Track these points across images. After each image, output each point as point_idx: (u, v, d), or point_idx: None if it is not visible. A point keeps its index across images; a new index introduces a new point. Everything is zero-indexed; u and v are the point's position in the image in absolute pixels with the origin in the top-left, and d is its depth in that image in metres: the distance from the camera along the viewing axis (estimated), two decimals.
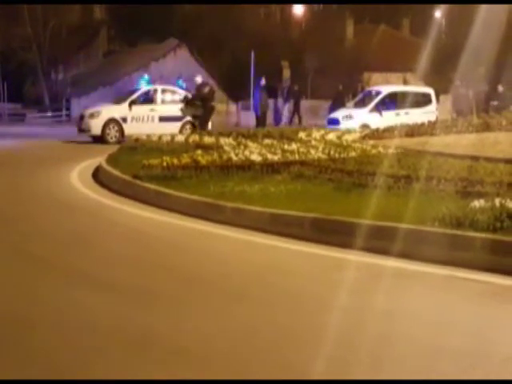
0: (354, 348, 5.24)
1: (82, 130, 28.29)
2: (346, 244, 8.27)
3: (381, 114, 27.80)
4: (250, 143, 16.04)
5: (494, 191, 9.37)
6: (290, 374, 4.83)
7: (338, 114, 28.86)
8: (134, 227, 10.29)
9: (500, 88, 33.31)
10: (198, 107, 26.23)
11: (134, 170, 13.49)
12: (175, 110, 27.36)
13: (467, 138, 16.21)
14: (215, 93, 27.72)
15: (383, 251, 7.92)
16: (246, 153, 13.99)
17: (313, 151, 14.21)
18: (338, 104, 32.83)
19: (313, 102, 50.02)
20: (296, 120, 36.96)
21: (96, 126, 27.42)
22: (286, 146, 15.01)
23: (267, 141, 16.61)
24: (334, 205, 9.54)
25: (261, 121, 32.15)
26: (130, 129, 26.99)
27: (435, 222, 8.07)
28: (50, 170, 17.04)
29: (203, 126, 25.87)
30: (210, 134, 20.24)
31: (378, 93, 29.52)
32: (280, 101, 36.28)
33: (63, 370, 4.89)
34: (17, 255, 8.40)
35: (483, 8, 32.91)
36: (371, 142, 16.68)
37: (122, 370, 4.89)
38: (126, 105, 27.74)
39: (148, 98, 28.33)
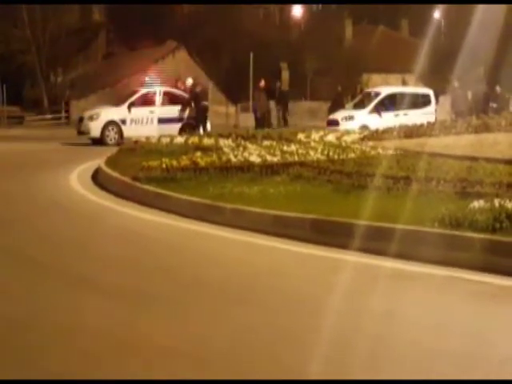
0: (352, 350, 5.23)
1: (81, 133, 28.29)
2: (345, 245, 8.26)
3: (380, 115, 27.80)
4: (249, 145, 16.02)
5: (493, 192, 9.35)
6: (289, 376, 4.83)
7: (338, 116, 28.86)
8: (133, 229, 10.29)
9: (498, 89, 33.29)
10: (193, 108, 26.40)
11: (134, 171, 13.48)
12: (174, 111, 27.39)
13: (466, 139, 16.19)
14: (207, 92, 27.77)
15: (383, 252, 7.92)
16: (245, 154, 13.98)
17: (312, 152, 14.20)
18: (337, 105, 32.81)
19: (312, 103, 50.08)
20: (280, 122, 35.73)
21: (95, 128, 27.41)
22: (285, 148, 14.99)
23: (266, 142, 16.59)
24: (334, 206, 9.54)
25: (260, 122, 32.12)
26: (129, 131, 26.99)
27: (434, 223, 8.08)
28: (49, 173, 17.03)
29: (199, 126, 25.92)
30: (209, 135, 20.23)
31: (377, 94, 29.52)
32: (271, 102, 36.03)
33: (60, 373, 4.88)
34: (15, 258, 8.40)
35: (482, 9, 32.94)
36: (370, 143, 16.66)
37: (120, 373, 4.88)
38: (125, 107, 27.74)
39: (147, 100, 28.32)
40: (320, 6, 70.54)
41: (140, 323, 5.87)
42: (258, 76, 33.03)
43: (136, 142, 20.10)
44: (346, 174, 11.64)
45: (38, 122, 45.96)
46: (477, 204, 8.56)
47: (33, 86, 53.52)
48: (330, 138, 18.39)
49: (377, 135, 19.07)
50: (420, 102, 29.46)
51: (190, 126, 26.40)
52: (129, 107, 27.66)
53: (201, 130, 25.73)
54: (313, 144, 16.21)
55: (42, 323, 5.90)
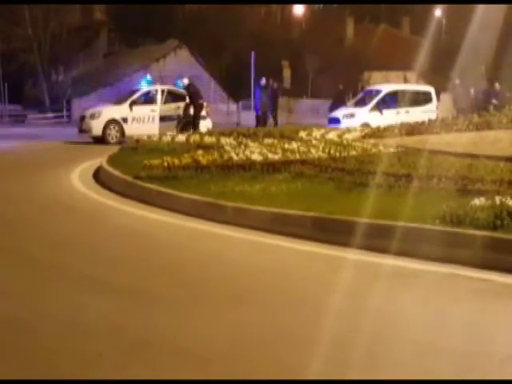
0: (353, 348, 5.23)
1: (82, 131, 28.30)
2: (347, 243, 8.27)
3: (381, 113, 27.82)
4: (250, 143, 16.03)
5: (494, 189, 9.37)
6: (289, 375, 4.84)
7: (339, 113, 28.87)
8: (135, 227, 10.30)
9: (497, 86, 33.26)
10: (190, 107, 26.56)
11: (135, 170, 13.49)
12: (176, 110, 27.41)
13: (467, 136, 16.19)
14: (199, 90, 27.85)
15: (384, 250, 7.93)
16: (247, 152, 14.00)
17: (313, 150, 14.21)
18: (338, 103, 32.80)
19: (313, 101, 50.09)
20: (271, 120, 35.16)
21: (97, 127, 27.43)
22: (286, 146, 15.01)
23: (268, 140, 16.61)
24: (335, 204, 9.55)
25: (261, 120, 32.10)
26: (130, 129, 27.01)
27: (436, 220, 8.09)
28: (50, 171, 17.05)
29: (196, 126, 25.99)
30: (210, 133, 20.25)
31: (378, 92, 29.54)
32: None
33: (63, 373, 4.89)
34: (17, 257, 8.40)
35: (482, 7, 32.93)
36: (372, 140, 16.66)
37: (122, 372, 4.89)
38: (126, 105, 27.75)
39: (149, 99, 28.33)
40: (321, 4, 70.56)
41: (142, 322, 5.88)
42: (260, 74, 32.99)
43: (137, 140, 20.12)
44: (348, 171, 11.65)
45: (39, 121, 45.97)
46: (478, 201, 8.57)
47: (34, 85, 53.59)
48: (332, 135, 18.41)
49: (378, 133, 19.09)
50: (421, 99, 29.48)
51: (188, 124, 26.46)
52: (130, 106, 27.68)
53: (199, 128, 25.75)
54: (314, 142, 16.22)
55: (44, 323, 5.90)
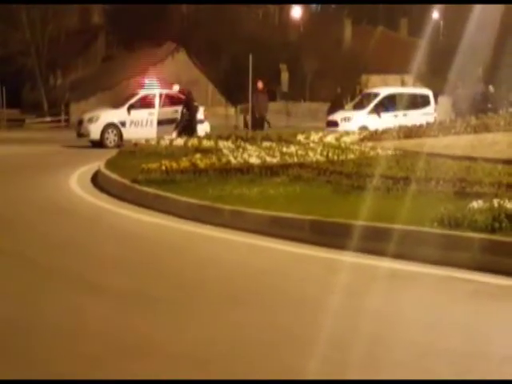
0: (351, 349, 5.25)
1: (80, 135, 28.33)
2: (345, 246, 8.27)
3: (379, 116, 27.82)
4: (248, 146, 16.04)
5: (492, 192, 9.38)
6: (290, 376, 4.85)
7: (337, 116, 28.87)
8: (133, 231, 10.31)
9: (491, 88, 33.20)
10: (185, 111, 26.62)
11: (133, 174, 13.49)
12: (174, 114, 27.41)
13: (465, 139, 16.20)
14: (191, 93, 27.89)
15: (382, 253, 7.93)
16: (245, 156, 14.00)
17: (311, 153, 14.22)
18: (336, 106, 32.79)
19: (311, 104, 50.10)
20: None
21: (95, 131, 27.46)
22: (284, 149, 15.01)
23: (266, 143, 16.62)
24: (333, 207, 9.56)
25: (258, 123, 32.10)
26: (128, 133, 27.03)
27: (434, 223, 8.09)
28: (49, 175, 17.05)
29: (194, 129, 26.00)
30: (208, 137, 20.25)
31: (376, 95, 29.54)
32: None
33: (61, 375, 4.89)
34: (15, 260, 8.40)
35: (480, 9, 32.95)
36: (370, 143, 16.67)
37: (121, 375, 4.89)
38: (124, 109, 27.77)
39: (147, 103, 28.34)
40: (319, 7, 70.67)
41: (141, 325, 5.88)
42: (258, 77, 33.00)
43: (135, 144, 20.13)
44: (346, 174, 11.66)
45: (37, 125, 45.96)
46: (476, 204, 8.58)
47: (32, 89, 53.55)
48: (330, 138, 18.43)
49: (376, 136, 19.09)
50: (419, 102, 29.48)
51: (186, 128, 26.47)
52: (128, 109, 27.70)
53: (197, 132, 25.78)
54: (312, 145, 16.24)
55: (42, 325, 5.91)
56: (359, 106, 29.53)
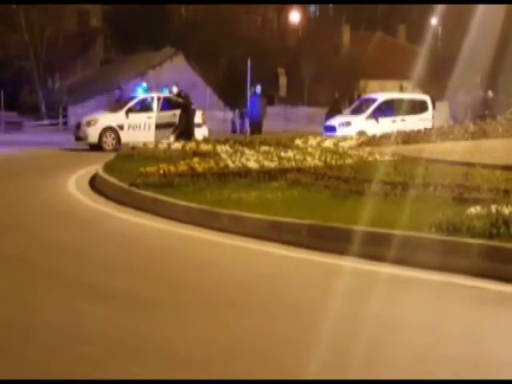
0: (349, 354, 5.24)
1: (78, 138, 28.33)
2: (343, 251, 8.27)
3: (377, 121, 27.84)
4: (246, 150, 16.06)
5: (490, 198, 9.39)
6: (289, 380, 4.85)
7: (335, 121, 28.88)
8: (132, 234, 10.31)
9: (490, 94, 33.21)
10: (183, 115, 26.64)
11: (131, 177, 13.49)
12: (172, 117, 27.42)
13: (463, 145, 16.24)
14: (190, 96, 27.89)
15: (380, 258, 7.93)
16: (243, 160, 14.01)
17: (309, 158, 14.23)
18: (334, 111, 32.83)
19: (309, 109, 50.08)
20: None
21: (93, 134, 27.45)
22: (282, 153, 15.03)
23: (264, 148, 16.63)
24: (331, 212, 9.56)
25: (256, 127, 32.16)
26: (126, 136, 27.01)
27: (432, 229, 8.09)
28: (47, 178, 17.04)
29: (191, 132, 26.00)
30: (206, 141, 20.26)
31: (374, 100, 29.57)
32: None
33: (60, 375, 4.89)
34: (13, 263, 8.41)
35: (479, 14, 32.97)
36: (368, 148, 16.69)
37: (120, 377, 4.88)
38: (122, 113, 27.78)
39: (145, 106, 28.36)
40: (317, 12, 70.71)
41: (138, 328, 5.88)
42: (256, 82, 33.03)
43: (133, 147, 20.13)
44: (344, 179, 11.66)
45: (35, 128, 45.90)
46: (474, 210, 8.59)
47: (30, 92, 53.46)
48: (328, 143, 18.45)
49: (374, 141, 19.13)
50: (417, 107, 29.51)
51: (184, 132, 26.48)
52: (126, 113, 27.71)
53: (195, 135, 25.81)
54: (310, 150, 16.25)
55: (41, 328, 5.90)
56: (357, 111, 29.56)
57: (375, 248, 8.11)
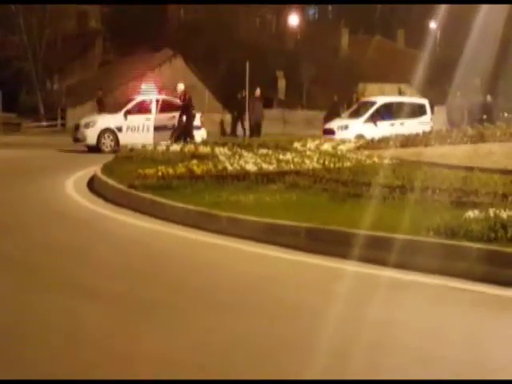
0: (349, 358, 5.24)
1: (77, 140, 28.33)
2: (341, 254, 8.27)
3: (376, 125, 27.84)
4: (245, 153, 16.05)
5: (488, 201, 9.39)
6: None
7: (334, 125, 28.88)
8: (130, 237, 10.30)
9: (488, 98, 33.20)
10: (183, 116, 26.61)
11: (129, 179, 13.48)
12: (171, 119, 27.41)
13: (462, 149, 16.24)
14: (191, 99, 27.84)
15: (379, 261, 7.93)
16: (241, 162, 14.01)
17: (308, 161, 14.23)
18: (333, 114, 32.84)
19: (308, 112, 50.13)
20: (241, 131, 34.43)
21: (91, 136, 27.45)
22: (281, 156, 15.03)
23: (262, 151, 16.63)
24: (329, 215, 9.56)
25: (255, 130, 32.20)
26: (125, 138, 27.02)
27: (430, 232, 8.10)
28: (45, 180, 17.03)
29: (190, 135, 25.97)
30: (205, 143, 20.26)
31: (372, 103, 29.57)
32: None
33: (59, 378, 4.89)
34: (11, 265, 8.39)
35: (478, 19, 33.01)
36: (366, 152, 16.69)
37: (119, 379, 4.89)
38: (121, 114, 27.78)
39: (143, 108, 28.36)
40: (316, 15, 70.78)
41: (138, 330, 5.87)
42: (255, 84, 33.06)
43: (132, 149, 20.13)
44: (342, 182, 11.66)
45: (34, 129, 45.91)
46: (472, 214, 8.59)
47: (29, 93, 53.49)
48: (326, 146, 18.44)
49: (372, 144, 19.12)
50: (416, 111, 29.51)
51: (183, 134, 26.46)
52: (125, 115, 27.71)
53: (195, 138, 25.78)
54: (309, 153, 16.24)
55: (39, 329, 5.89)
56: (356, 114, 29.55)
57: (374, 251, 8.10)
